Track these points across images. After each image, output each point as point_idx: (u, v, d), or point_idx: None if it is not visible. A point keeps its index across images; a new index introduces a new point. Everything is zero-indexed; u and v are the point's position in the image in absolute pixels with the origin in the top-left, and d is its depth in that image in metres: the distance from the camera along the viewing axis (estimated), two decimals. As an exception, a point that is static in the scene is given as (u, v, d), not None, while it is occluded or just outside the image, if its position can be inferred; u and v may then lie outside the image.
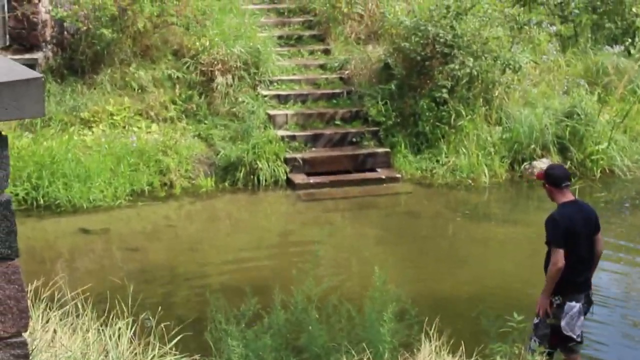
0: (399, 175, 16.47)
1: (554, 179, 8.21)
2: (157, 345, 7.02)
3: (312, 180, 16.09)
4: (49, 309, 7.19)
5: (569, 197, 8.19)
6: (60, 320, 6.85)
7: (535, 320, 8.13)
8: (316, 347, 7.81)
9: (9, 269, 4.15)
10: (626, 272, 12.35)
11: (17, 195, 13.87)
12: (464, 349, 7.26)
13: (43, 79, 3.90)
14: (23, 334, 4.25)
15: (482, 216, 15.29)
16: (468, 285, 11.60)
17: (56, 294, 7.61)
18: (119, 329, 6.82)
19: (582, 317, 8.06)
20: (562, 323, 7.96)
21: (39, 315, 6.84)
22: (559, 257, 7.88)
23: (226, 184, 15.82)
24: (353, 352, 7.17)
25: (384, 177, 16.43)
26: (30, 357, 4.62)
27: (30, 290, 7.17)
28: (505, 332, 7.74)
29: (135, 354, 6.72)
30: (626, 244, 13.84)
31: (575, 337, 8.03)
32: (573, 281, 8.00)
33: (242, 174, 15.75)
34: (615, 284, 11.63)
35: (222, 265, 12.54)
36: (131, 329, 7.12)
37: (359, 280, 10.27)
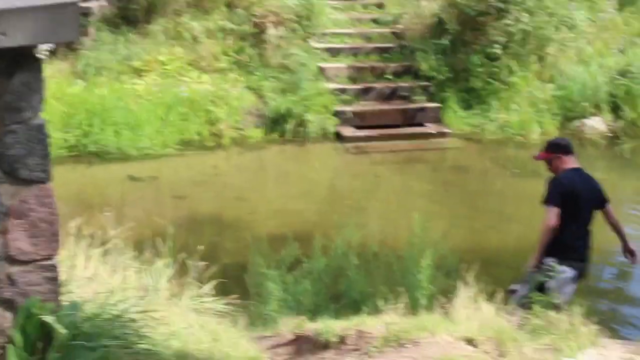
0: (448, 131, 16.39)
1: (565, 147, 8.25)
2: (196, 286, 7.06)
3: (361, 133, 16.05)
4: (92, 247, 7.25)
5: (575, 164, 8.14)
6: (102, 256, 6.91)
7: (518, 286, 7.86)
8: (354, 293, 7.83)
9: (42, 192, 4.23)
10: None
11: (67, 141, 14.03)
12: (503, 297, 7.22)
13: (78, 5, 3.92)
14: (54, 257, 4.34)
15: (531, 173, 15.04)
16: (513, 241, 11.51)
17: (100, 234, 7.67)
18: (158, 268, 6.86)
19: (574, 285, 7.86)
20: (552, 284, 7.63)
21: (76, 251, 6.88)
22: (552, 215, 7.71)
23: (275, 135, 15.86)
24: (391, 298, 7.16)
25: (433, 131, 16.34)
26: (63, 283, 4.68)
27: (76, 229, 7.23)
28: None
29: (173, 294, 6.76)
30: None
31: (559, 302, 7.44)
32: (571, 245, 7.84)
33: (291, 125, 15.77)
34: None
35: (267, 214, 12.56)
36: (172, 269, 7.16)
37: (401, 229, 10.21)
